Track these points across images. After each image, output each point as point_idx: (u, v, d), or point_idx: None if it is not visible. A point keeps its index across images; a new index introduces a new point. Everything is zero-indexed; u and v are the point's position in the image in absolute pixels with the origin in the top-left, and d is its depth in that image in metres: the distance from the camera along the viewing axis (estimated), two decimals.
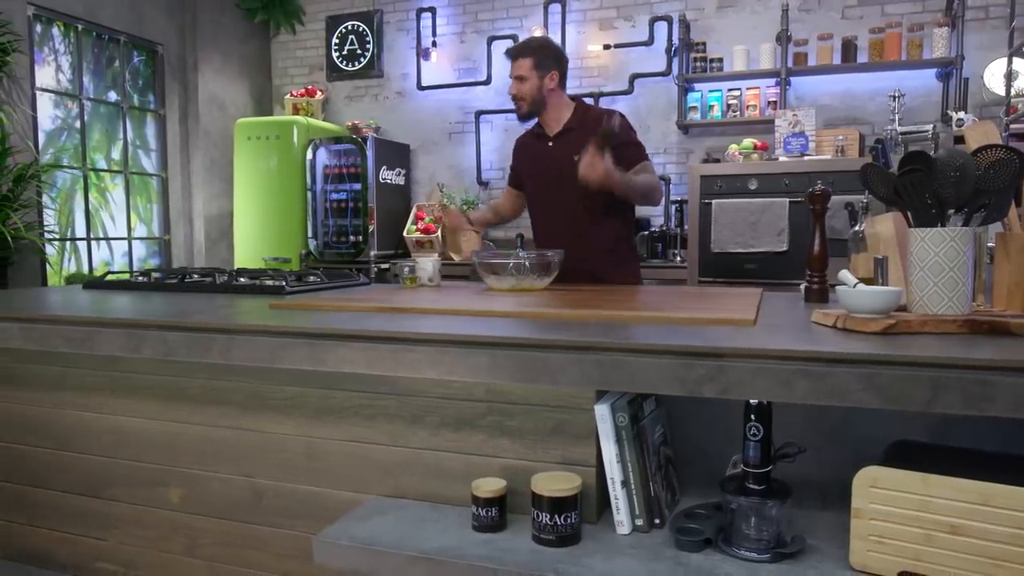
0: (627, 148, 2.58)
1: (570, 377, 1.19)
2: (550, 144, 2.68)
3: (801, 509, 1.39)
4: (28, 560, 1.99)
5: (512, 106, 5.53)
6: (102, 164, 5.00)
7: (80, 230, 4.82)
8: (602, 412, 1.33)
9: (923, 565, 1.13)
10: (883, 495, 1.15)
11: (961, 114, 3.94)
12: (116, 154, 5.10)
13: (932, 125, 4.05)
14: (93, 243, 4.90)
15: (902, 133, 3.99)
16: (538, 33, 5.12)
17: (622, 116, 2.65)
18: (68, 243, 4.74)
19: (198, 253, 5.49)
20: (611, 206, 2.60)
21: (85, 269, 4.82)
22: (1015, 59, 3.93)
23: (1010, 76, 3.88)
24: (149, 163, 5.37)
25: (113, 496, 1.86)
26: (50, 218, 4.52)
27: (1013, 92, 3.88)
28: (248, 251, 5.17)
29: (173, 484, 1.78)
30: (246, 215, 5.21)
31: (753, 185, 4.11)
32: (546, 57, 2.63)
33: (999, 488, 1.07)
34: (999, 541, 1.07)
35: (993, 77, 4.18)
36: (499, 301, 1.79)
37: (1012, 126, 3.65)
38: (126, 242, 5.17)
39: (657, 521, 1.37)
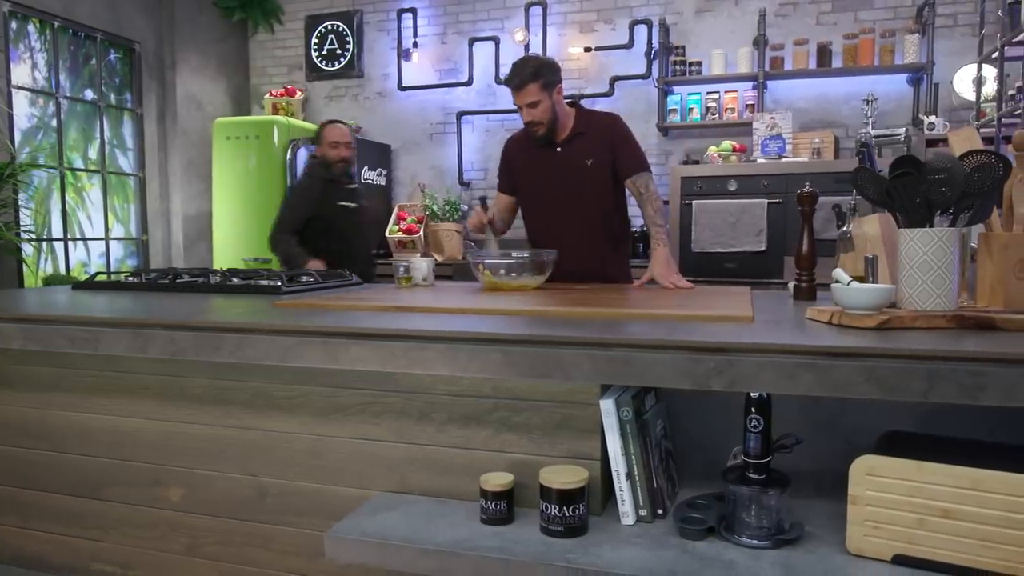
0: (625, 153, 2.64)
1: (582, 373, 1.23)
2: (558, 150, 2.67)
3: (796, 498, 1.44)
4: (21, 563, 1.97)
5: (493, 107, 5.56)
6: (79, 163, 4.93)
7: (56, 230, 4.75)
8: (607, 407, 1.38)
9: (916, 548, 1.19)
10: (878, 482, 1.21)
11: (932, 118, 4.07)
12: (93, 153, 5.03)
13: (904, 129, 4.17)
14: (70, 243, 4.83)
15: (876, 136, 4.10)
16: (519, 36, 5.17)
17: (620, 120, 2.73)
18: (44, 243, 4.67)
19: (176, 254, 5.44)
20: (613, 210, 2.68)
21: (62, 270, 4.75)
22: (983, 66, 4.07)
23: (979, 82, 4.02)
24: (126, 162, 5.30)
25: (110, 497, 1.86)
26: (26, 218, 4.45)
27: (982, 98, 4.02)
28: (227, 251, 5.13)
29: (173, 484, 1.78)
30: (225, 215, 5.17)
31: (732, 186, 4.20)
32: (549, 73, 2.59)
33: (989, 474, 1.13)
34: (989, 524, 1.13)
35: (962, 82, 4.32)
36: (502, 299, 1.83)
37: (982, 130, 3.78)
38: (103, 243, 5.10)
39: (660, 512, 1.42)
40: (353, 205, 3.45)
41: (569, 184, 2.65)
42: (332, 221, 3.36)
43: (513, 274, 2.11)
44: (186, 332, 1.50)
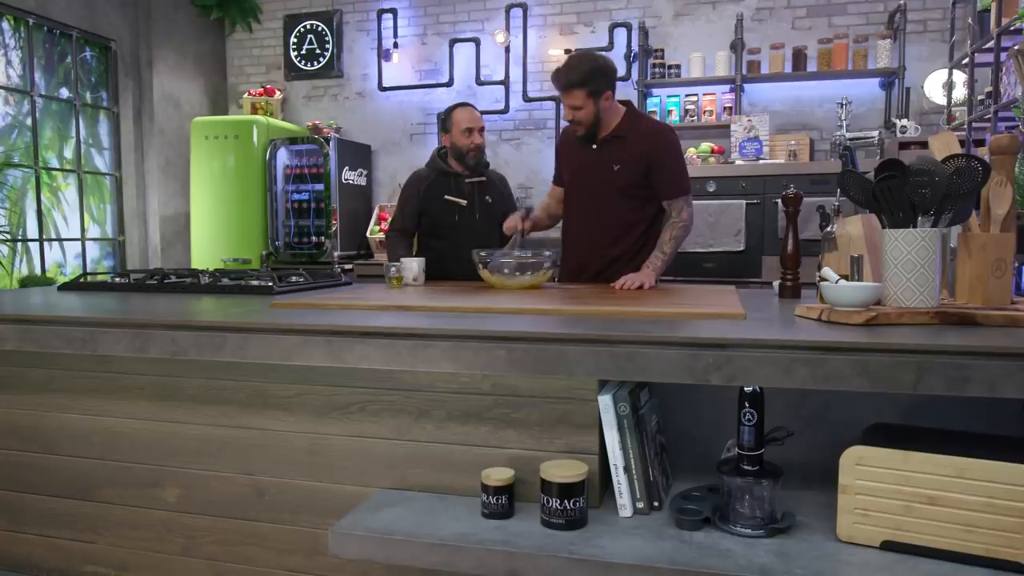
0: (662, 176, 2.56)
1: (585, 369, 1.27)
2: (594, 148, 2.65)
3: (786, 489, 1.49)
4: (10, 566, 1.95)
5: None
6: (54, 163, 4.86)
7: (32, 230, 4.67)
8: (605, 402, 1.42)
9: (904, 534, 1.25)
10: (868, 472, 1.27)
11: (904, 121, 4.18)
12: (68, 152, 4.96)
13: (877, 131, 4.30)
14: (45, 244, 4.75)
15: (850, 139, 4.22)
16: (500, 37, 5.20)
17: (673, 133, 2.68)
18: (19, 244, 4.59)
19: (153, 254, 5.38)
20: (640, 214, 2.64)
21: (37, 270, 4.67)
22: (953, 71, 4.19)
23: (950, 87, 4.15)
24: (102, 162, 5.23)
25: (104, 498, 1.85)
26: (1, 218, 4.37)
27: (952, 102, 4.14)
28: (206, 252, 5.10)
29: (169, 484, 1.78)
30: (203, 216, 5.13)
31: (711, 187, 4.27)
32: (600, 82, 2.52)
33: (972, 462, 1.19)
34: (972, 509, 1.19)
35: (933, 87, 4.45)
36: (501, 299, 1.86)
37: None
38: (79, 243, 5.03)
39: (656, 504, 1.46)
40: (462, 202, 2.99)
41: (594, 184, 2.63)
42: (436, 218, 3.02)
43: (517, 273, 2.15)
44: (188, 332, 1.51)
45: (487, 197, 3.04)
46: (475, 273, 2.66)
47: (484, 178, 3.06)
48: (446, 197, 2.99)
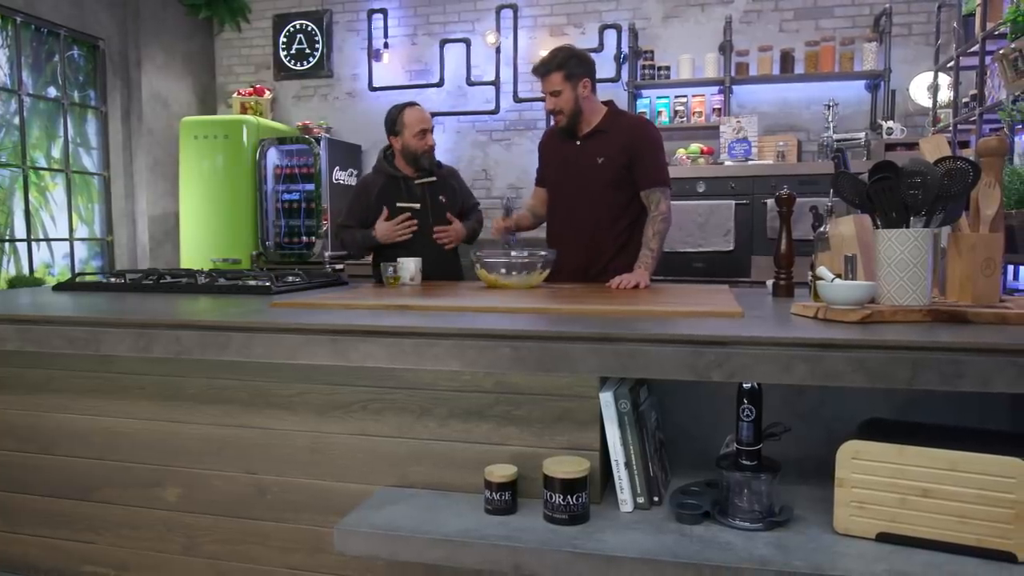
0: (642, 165, 2.60)
1: (589, 366, 1.29)
2: (577, 144, 2.70)
3: (782, 484, 1.52)
4: (6, 567, 1.95)
5: (464, 108, 5.60)
6: (42, 162, 4.82)
7: (19, 230, 4.63)
8: (607, 399, 1.44)
9: (899, 526, 1.28)
10: (863, 465, 1.30)
11: (890, 123, 4.25)
12: (56, 152, 4.92)
13: (864, 133, 4.36)
14: (33, 244, 4.71)
15: (837, 140, 4.28)
16: (490, 38, 5.22)
17: (654, 127, 2.73)
18: (7, 244, 4.55)
19: (142, 254, 5.35)
20: (627, 208, 2.67)
21: (25, 271, 4.63)
22: (938, 74, 4.26)
23: (935, 90, 4.21)
24: (90, 162, 5.19)
25: (104, 498, 1.85)
26: None
27: (937, 104, 4.21)
28: (195, 252, 5.08)
29: (170, 484, 1.79)
30: (193, 216, 5.11)
31: (701, 188, 4.32)
32: (576, 66, 2.62)
33: (965, 455, 1.23)
34: (965, 501, 1.23)
35: (918, 89, 4.52)
36: (501, 298, 1.88)
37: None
38: (67, 243, 4.99)
39: (656, 499, 1.48)
40: (415, 206, 2.95)
41: (579, 180, 2.67)
42: None
43: (514, 273, 2.17)
44: (192, 332, 1.52)
45: (440, 197, 2.99)
46: (436, 274, 2.74)
47: (434, 178, 3.00)
48: (398, 205, 2.94)
